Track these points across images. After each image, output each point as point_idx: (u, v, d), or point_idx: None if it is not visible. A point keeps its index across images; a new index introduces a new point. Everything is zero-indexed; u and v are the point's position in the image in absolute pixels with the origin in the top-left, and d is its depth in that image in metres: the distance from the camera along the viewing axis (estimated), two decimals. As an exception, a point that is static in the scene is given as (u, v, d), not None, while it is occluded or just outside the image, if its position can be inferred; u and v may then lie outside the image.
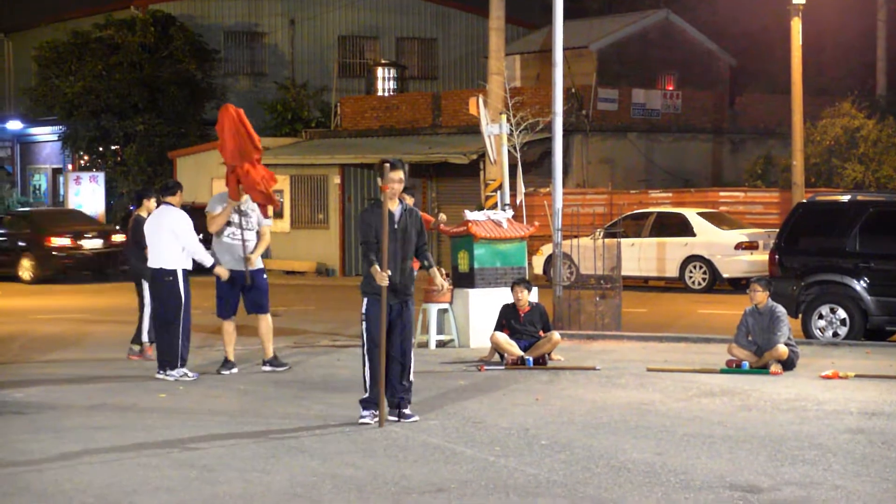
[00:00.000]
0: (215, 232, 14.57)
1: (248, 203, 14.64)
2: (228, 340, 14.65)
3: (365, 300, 11.20)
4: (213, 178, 37.44)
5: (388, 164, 11.10)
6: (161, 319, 14.09)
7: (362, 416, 11.15)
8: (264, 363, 14.83)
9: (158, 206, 14.66)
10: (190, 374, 13.98)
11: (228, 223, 14.46)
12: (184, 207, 14.59)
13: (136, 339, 15.92)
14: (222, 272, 14.19)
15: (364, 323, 11.18)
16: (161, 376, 13.94)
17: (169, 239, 14.04)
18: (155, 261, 14.13)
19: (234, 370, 14.57)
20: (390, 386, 11.18)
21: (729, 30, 42.38)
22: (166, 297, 14.00)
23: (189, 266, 14.16)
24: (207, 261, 14.17)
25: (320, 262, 35.44)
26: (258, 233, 14.67)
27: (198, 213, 33.99)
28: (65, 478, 9.09)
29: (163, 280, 14.02)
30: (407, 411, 11.23)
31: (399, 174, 11.13)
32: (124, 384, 13.71)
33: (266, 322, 14.78)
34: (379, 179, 11.17)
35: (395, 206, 11.23)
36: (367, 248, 11.13)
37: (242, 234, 14.45)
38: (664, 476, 9.06)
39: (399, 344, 11.24)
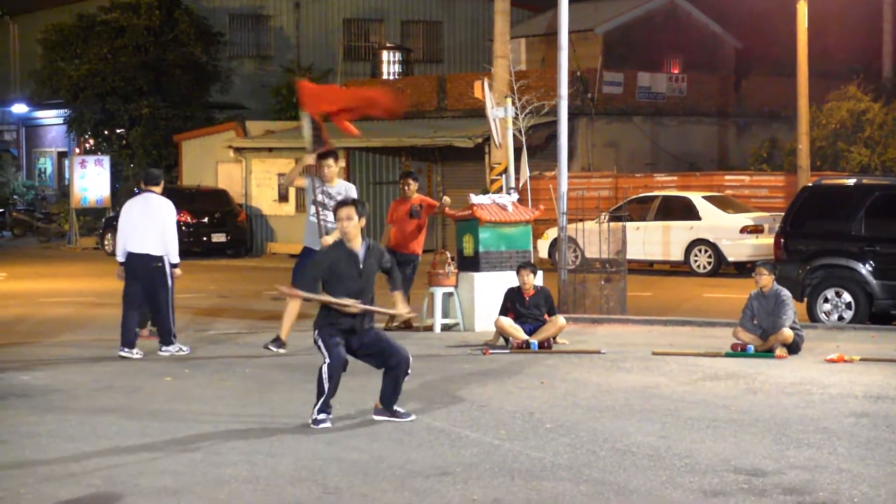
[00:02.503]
0: (290, 183, 15.24)
1: (339, 185, 14.57)
2: (287, 319, 14.68)
3: (317, 331, 10.23)
4: (217, 161, 37.41)
5: (338, 204, 10.48)
6: (152, 302, 14.57)
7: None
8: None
9: (140, 192, 14.74)
10: (136, 353, 14.42)
11: (312, 202, 14.45)
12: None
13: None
14: (177, 272, 14.50)
15: (325, 351, 10.17)
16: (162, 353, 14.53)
17: (156, 227, 14.35)
18: (140, 246, 14.37)
19: (283, 350, 14.63)
20: (384, 397, 10.49)
21: (734, 13, 42.26)
22: (157, 283, 14.40)
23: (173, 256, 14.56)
24: (174, 258, 14.46)
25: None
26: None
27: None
28: (71, 460, 9.11)
29: (151, 266, 14.34)
30: (401, 410, 10.52)
31: (347, 210, 10.26)
32: (130, 367, 13.73)
33: None
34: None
35: (358, 247, 10.33)
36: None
37: (324, 215, 14.34)
38: (669, 459, 9.07)
39: (394, 361, 10.33)
